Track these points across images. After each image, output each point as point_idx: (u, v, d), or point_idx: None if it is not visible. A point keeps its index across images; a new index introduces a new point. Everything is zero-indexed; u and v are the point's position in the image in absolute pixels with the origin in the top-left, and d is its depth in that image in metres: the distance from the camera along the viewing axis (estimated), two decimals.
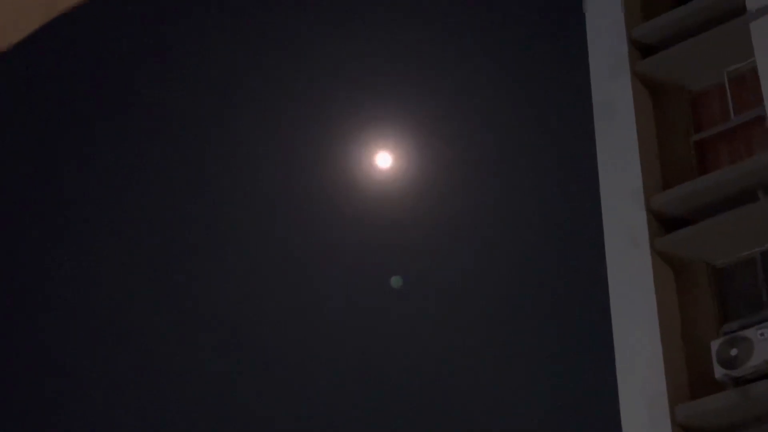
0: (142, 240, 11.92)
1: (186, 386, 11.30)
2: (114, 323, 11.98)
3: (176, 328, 11.70)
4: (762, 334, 7.12)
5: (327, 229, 10.26)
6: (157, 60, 12.33)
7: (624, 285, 7.81)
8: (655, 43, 8.72)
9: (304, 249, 10.89)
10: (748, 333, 7.17)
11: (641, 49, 8.80)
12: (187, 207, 11.94)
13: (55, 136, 12.46)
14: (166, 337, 11.61)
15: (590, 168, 7.58)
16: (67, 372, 12.05)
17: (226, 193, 11.59)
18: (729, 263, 7.87)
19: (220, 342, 11.47)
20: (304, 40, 11.40)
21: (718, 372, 7.13)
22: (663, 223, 8.06)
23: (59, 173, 12.34)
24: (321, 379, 10.82)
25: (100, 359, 11.90)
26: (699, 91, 8.57)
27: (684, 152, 8.35)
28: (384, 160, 9.17)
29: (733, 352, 7.12)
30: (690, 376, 7.52)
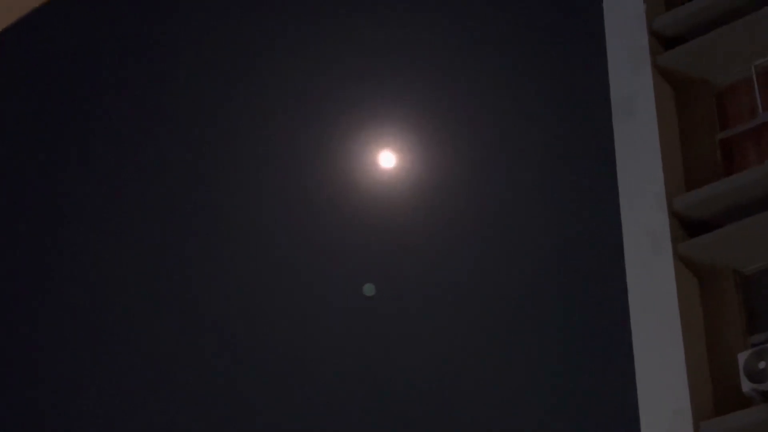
0: (141, 241, 11.93)
1: (177, 385, 11.29)
2: (112, 323, 12.00)
3: (172, 328, 11.68)
4: None
5: (327, 232, 10.14)
6: (156, 55, 12.33)
7: (645, 293, 7.73)
8: (677, 34, 8.61)
9: (304, 252, 10.77)
10: None
11: (663, 41, 8.68)
12: (184, 208, 11.92)
13: (46, 129, 12.46)
14: (162, 337, 11.62)
15: (608, 168, 7.47)
16: (65, 372, 12.10)
17: (220, 195, 11.55)
18: (757, 270, 7.78)
19: (219, 343, 11.48)
20: (303, 34, 11.29)
21: (746, 386, 7.05)
22: (686, 226, 7.96)
23: (53, 165, 12.33)
24: (322, 379, 10.75)
25: (98, 359, 11.91)
26: (725, 86, 8.45)
27: (708, 151, 8.25)
28: (387, 159, 9.05)
29: (762, 365, 7.04)
30: (715, 390, 7.43)
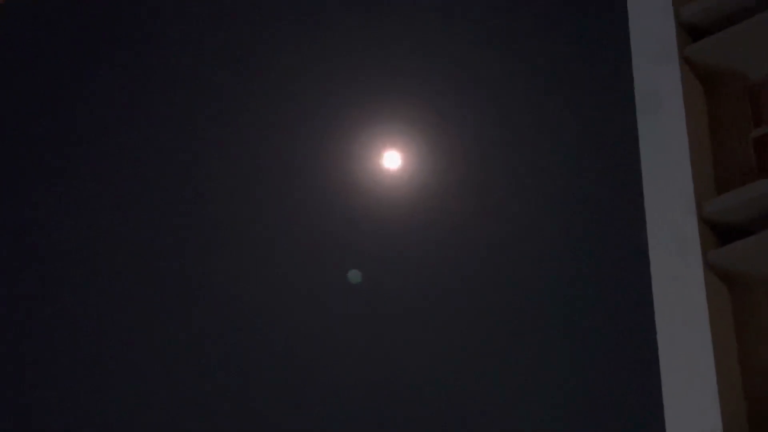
0: (142, 240, 12.03)
1: (177, 384, 11.33)
2: (111, 322, 12.11)
3: (168, 327, 11.77)
4: None
5: (327, 237, 10.04)
6: (155, 52, 12.39)
7: (672, 305, 7.63)
8: (707, 24, 8.47)
9: (303, 257, 10.69)
10: None
11: (691, 31, 8.55)
12: (182, 209, 12.00)
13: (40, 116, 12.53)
14: (158, 336, 11.71)
15: (632, 169, 7.31)
16: (65, 371, 12.21)
17: (216, 199, 11.53)
18: None
19: (220, 345, 11.57)
20: (302, 28, 11.20)
21: None
22: (717, 233, 7.84)
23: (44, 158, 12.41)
24: (323, 380, 10.76)
25: (98, 358, 12.02)
26: (759, 81, 8.28)
27: (741, 151, 8.11)
28: (392, 160, 8.88)
29: None
30: (749, 412, 7.31)
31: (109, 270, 12.55)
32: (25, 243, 12.95)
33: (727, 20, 8.43)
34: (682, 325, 7.60)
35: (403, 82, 10.35)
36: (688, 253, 7.75)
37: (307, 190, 11.11)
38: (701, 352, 7.47)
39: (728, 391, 7.27)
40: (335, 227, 10.63)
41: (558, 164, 8.48)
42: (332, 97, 10.97)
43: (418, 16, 10.48)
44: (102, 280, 12.75)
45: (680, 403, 7.41)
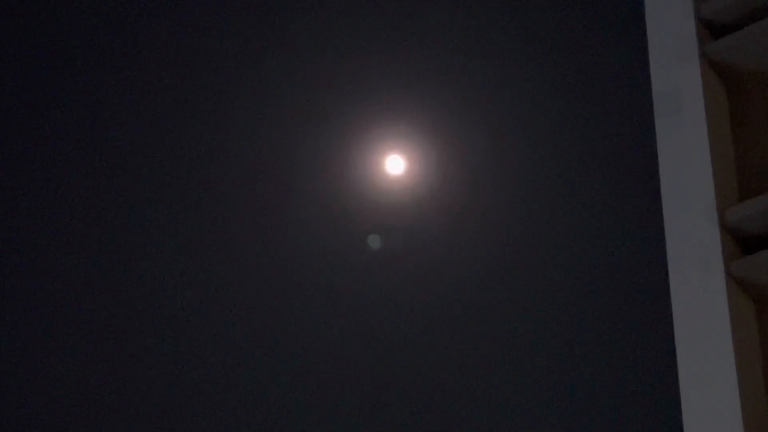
0: (142, 240, 12.01)
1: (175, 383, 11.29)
2: (109, 322, 12.09)
3: (165, 328, 11.73)
4: None
5: (327, 244, 9.88)
6: (152, 50, 12.29)
7: (693, 319, 7.47)
8: (729, 20, 8.36)
9: (303, 264, 10.54)
10: None
11: (713, 28, 8.45)
12: (179, 213, 11.90)
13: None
14: (155, 336, 11.68)
15: (650, 175, 7.07)
16: (64, 371, 12.20)
17: (215, 203, 11.43)
18: None
19: (219, 346, 11.52)
20: (301, 25, 11.07)
21: None
22: (741, 242, 7.71)
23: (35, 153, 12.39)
24: (324, 380, 10.65)
25: (96, 358, 11.98)
26: None
27: (766, 156, 8.03)
28: (396, 165, 8.64)
29: None
30: None
31: (109, 269, 12.58)
32: (25, 243, 12.99)
33: (750, 16, 8.34)
34: (704, 339, 7.49)
35: (409, 82, 10.24)
36: (709, 263, 7.57)
37: (308, 195, 11.03)
38: (723, 367, 7.31)
39: (754, 418, 7.08)
40: (336, 231, 10.55)
41: (571, 170, 8.23)
42: (336, 98, 10.89)
43: (427, 12, 10.36)
44: (102, 279, 12.79)
45: (701, 422, 7.25)
